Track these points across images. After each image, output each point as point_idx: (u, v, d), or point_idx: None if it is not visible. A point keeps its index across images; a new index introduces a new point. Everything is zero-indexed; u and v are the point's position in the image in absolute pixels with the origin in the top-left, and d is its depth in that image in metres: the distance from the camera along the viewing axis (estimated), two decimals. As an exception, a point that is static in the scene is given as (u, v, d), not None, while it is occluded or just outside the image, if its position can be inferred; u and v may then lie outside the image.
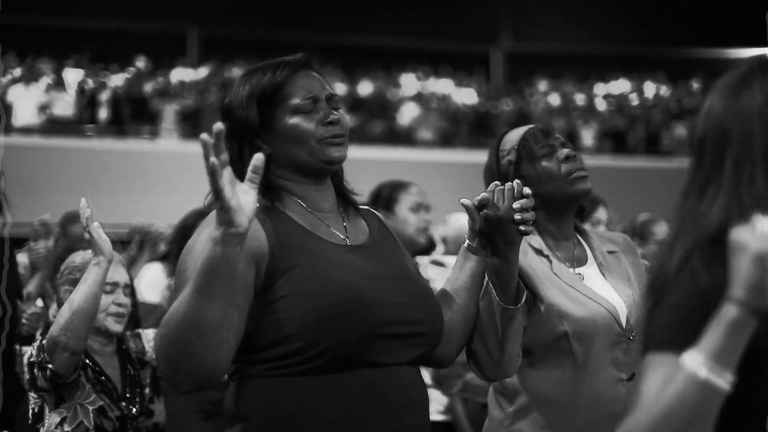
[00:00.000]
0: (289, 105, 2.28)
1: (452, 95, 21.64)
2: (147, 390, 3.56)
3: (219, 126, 1.86)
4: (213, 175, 1.85)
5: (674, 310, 1.50)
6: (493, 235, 2.36)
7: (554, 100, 22.13)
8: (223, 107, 2.36)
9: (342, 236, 2.29)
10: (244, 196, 1.91)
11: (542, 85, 23.04)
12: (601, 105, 22.12)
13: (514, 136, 2.92)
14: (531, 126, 2.96)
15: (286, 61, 2.35)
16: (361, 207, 2.46)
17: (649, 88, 23.28)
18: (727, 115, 1.58)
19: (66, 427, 3.36)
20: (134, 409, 3.47)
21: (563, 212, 2.90)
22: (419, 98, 20.69)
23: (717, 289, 1.45)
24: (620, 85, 23.38)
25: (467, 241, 2.42)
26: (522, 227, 2.32)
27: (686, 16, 23.97)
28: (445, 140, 20.02)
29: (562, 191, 2.84)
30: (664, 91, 23.20)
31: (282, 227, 2.20)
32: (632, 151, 19.99)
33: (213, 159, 1.84)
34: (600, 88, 23.14)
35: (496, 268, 2.37)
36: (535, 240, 2.85)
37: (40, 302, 4.86)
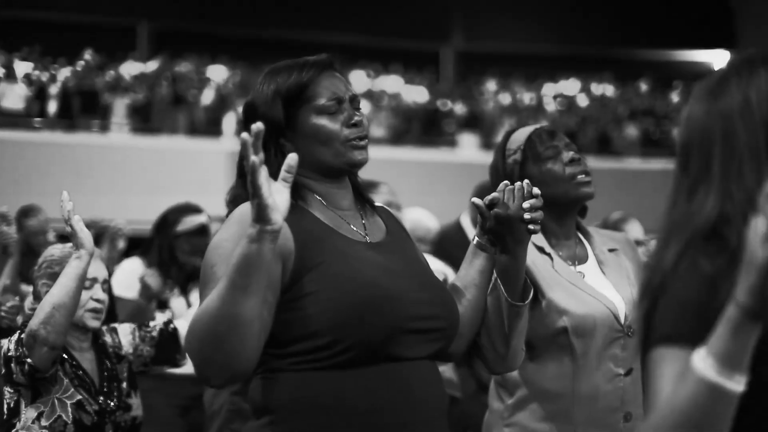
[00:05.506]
0: (315, 105, 2.32)
1: (402, 93, 21.67)
2: (124, 384, 3.54)
3: (259, 126, 1.90)
4: (254, 173, 1.89)
5: (679, 303, 1.52)
6: (502, 234, 2.43)
7: (504, 99, 22.25)
8: (245, 105, 2.39)
9: (362, 234, 2.35)
10: (278, 195, 1.95)
11: (492, 84, 23.14)
12: (550, 105, 22.28)
13: (520, 135, 3.02)
14: (537, 126, 3.06)
15: (311, 61, 2.39)
16: (377, 205, 2.51)
17: (598, 89, 23.48)
18: (708, 117, 1.64)
19: (43, 422, 3.32)
20: (112, 403, 3.45)
21: (566, 213, 3.00)
22: (370, 96, 20.70)
23: (720, 277, 1.49)
24: (570, 85, 23.55)
25: (476, 238, 2.48)
26: (531, 226, 2.39)
27: (635, 17, 24.21)
28: (396, 138, 20.07)
29: (565, 193, 2.95)
30: (613, 91, 23.41)
31: (306, 225, 2.24)
32: (583, 151, 20.15)
33: (254, 157, 1.88)
34: (549, 88, 23.29)
35: (505, 265, 2.44)
36: (538, 238, 2.93)
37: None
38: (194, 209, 5.37)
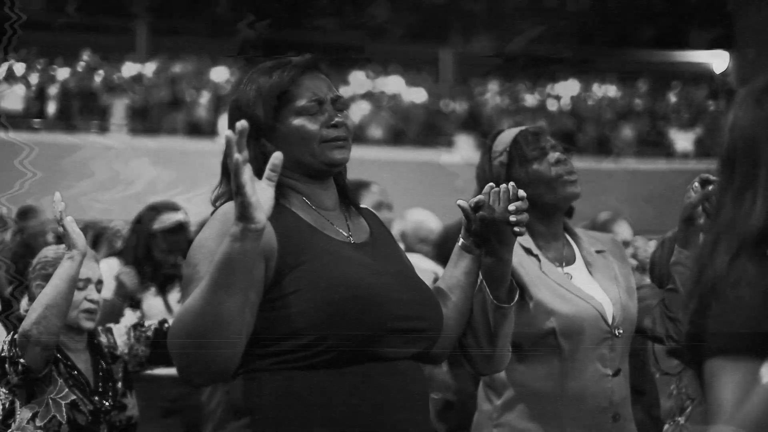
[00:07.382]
0: (295, 106, 2.32)
1: (402, 94, 21.67)
2: (119, 384, 3.54)
3: (243, 124, 1.91)
4: (237, 171, 1.89)
5: (734, 312, 1.53)
6: (487, 236, 2.41)
7: (502, 100, 22.24)
8: (231, 105, 2.40)
9: (346, 234, 2.34)
10: (262, 194, 1.96)
11: (490, 85, 23.14)
12: (551, 105, 22.28)
13: (506, 137, 3.02)
14: (523, 127, 3.06)
15: (294, 61, 2.38)
16: (361, 206, 2.51)
17: (598, 90, 23.48)
18: (754, 124, 1.65)
19: (38, 422, 3.33)
20: (107, 403, 3.45)
21: (553, 214, 3.01)
22: (370, 96, 20.70)
23: None
24: (569, 86, 23.54)
25: (461, 240, 2.47)
26: (516, 228, 2.37)
27: (635, 19, 24.21)
28: (396, 138, 20.08)
29: (551, 194, 2.95)
30: (613, 92, 23.41)
31: (289, 224, 2.24)
32: (582, 151, 20.17)
33: (238, 155, 1.89)
34: (549, 89, 23.29)
35: (490, 267, 2.43)
36: (525, 239, 2.93)
37: None
38: (171, 207, 5.29)
